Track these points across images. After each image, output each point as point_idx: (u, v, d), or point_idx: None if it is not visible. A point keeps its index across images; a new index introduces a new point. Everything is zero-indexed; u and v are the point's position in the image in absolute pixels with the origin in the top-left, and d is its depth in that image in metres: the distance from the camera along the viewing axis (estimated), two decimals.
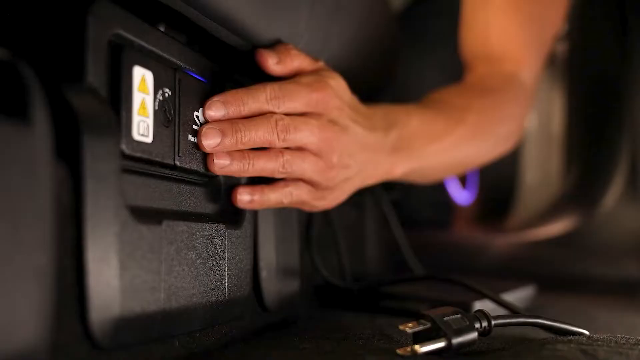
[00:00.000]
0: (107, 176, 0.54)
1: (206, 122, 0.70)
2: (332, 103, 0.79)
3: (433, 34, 1.59)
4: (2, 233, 0.43)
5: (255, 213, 0.80)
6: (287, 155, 0.75)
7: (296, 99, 0.76)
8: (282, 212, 0.86)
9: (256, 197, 0.75)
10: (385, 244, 1.31)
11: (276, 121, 0.73)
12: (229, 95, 0.71)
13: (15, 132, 0.44)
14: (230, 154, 0.71)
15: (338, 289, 1.03)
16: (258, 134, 0.72)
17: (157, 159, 0.62)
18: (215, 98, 0.70)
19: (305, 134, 0.76)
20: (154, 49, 0.63)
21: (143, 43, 0.61)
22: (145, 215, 0.59)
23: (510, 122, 1.16)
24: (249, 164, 0.72)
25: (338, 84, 0.82)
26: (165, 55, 0.64)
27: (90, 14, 0.55)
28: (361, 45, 0.98)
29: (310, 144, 0.77)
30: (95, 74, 0.56)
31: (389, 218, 1.26)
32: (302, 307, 0.94)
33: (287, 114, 0.75)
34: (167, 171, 0.64)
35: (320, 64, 0.83)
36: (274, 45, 0.78)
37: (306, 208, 0.84)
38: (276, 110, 0.74)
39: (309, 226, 1.00)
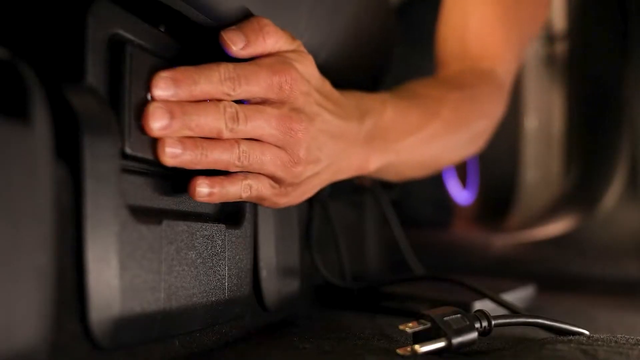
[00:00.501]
0: (107, 176, 0.54)
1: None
2: (298, 87, 0.71)
3: (430, 31, 1.59)
4: (2, 233, 0.43)
5: (255, 213, 0.79)
6: (244, 146, 0.68)
7: (254, 82, 0.68)
8: (282, 212, 0.86)
9: (216, 189, 0.67)
10: (385, 243, 1.31)
11: (224, 107, 0.66)
12: (179, 72, 0.62)
13: (15, 132, 0.44)
14: (181, 141, 0.63)
15: (338, 289, 1.03)
16: (207, 120, 0.64)
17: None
18: (164, 74, 0.61)
19: (259, 124, 0.69)
20: (154, 48, 0.63)
21: (143, 43, 0.61)
22: (145, 215, 0.59)
23: (485, 119, 1.13)
24: (202, 154, 0.64)
25: (305, 67, 0.74)
26: (165, 55, 0.64)
27: (90, 14, 0.55)
28: (360, 42, 0.98)
29: (268, 135, 0.70)
30: (95, 74, 0.56)
31: (389, 217, 1.26)
32: (302, 306, 0.94)
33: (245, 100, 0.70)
34: (167, 171, 0.64)
35: (297, 43, 0.75)
36: (244, 21, 0.70)
37: (266, 204, 0.76)
38: (231, 92, 0.66)
39: (309, 225, 1.00)
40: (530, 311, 1.07)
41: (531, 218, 1.70)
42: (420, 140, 0.96)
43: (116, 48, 0.58)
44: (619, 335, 0.70)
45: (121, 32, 0.58)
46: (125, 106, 0.58)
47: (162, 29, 0.67)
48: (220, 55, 0.67)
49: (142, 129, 0.59)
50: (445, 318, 0.67)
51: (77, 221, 0.52)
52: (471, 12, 1.17)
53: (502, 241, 1.72)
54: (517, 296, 1.12)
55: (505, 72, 1.16)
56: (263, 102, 0.70)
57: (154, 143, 0.61)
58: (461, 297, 0.94)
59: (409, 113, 0.95)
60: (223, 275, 0.72)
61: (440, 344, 0.65)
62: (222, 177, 0.68)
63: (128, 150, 0.57)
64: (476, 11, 1.16)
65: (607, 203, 1.61)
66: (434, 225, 1.75)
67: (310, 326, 0.85)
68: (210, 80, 0.64)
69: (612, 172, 1.62)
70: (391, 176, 1.07)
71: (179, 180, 0.67)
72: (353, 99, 0.85)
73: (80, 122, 0.52)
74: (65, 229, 0.51)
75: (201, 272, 0.67)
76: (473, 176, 1.66)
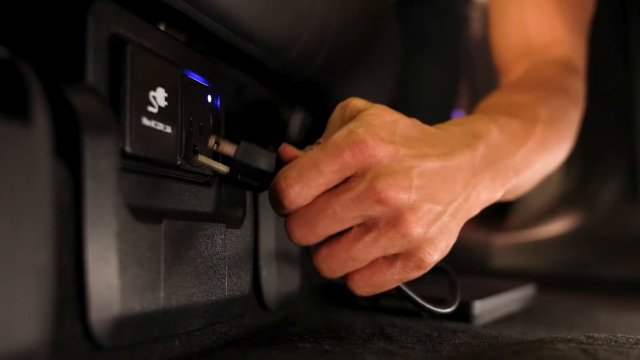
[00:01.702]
0: (107, 175, 0.54)
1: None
2: (376, 154, 0.64)
3: (429, 34, 1.59)
4: (3, 232, 0.43)
5: (255, 212, 0.80)
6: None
7: (323, 176, 0.63)
8: None
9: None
10: None
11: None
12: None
13: (16, 131, 0.44)
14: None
15: (338, 287, 1.03)
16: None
17: (158, 158, 0.62)
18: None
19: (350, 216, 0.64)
20: (154, 47, 0.63)
21: (143, 42, 0.61)
22: (145, 214, 0.59)
23: (575, 109, 1.05)
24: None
25: (376, 121, 0.66)
26: (166, 54, 0.64)
27: (90, 13, 0.55)
28: (360, 39, 0.98)
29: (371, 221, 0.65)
30: (95, 73, 0.56)
31: None
32: (302, 306, 0.94)
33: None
34: (168, 170, 0.64)
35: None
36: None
37: (420, 272, 0.70)
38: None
39: None
40: (529, 311, 1.08)
41: (531, 217, 1.70)
42: (530, 150, 0.88)
43: (117, 47, 0.58)
44: (619, 335, 0.70)
45: (121, 31, 0.58)
46: (126, 105, 0.58)
47: (163, 28, 0.68)
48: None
49: (142, 128, 0.59)
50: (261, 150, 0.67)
51: (77, 220, 0.52)
52: (527, 7, 1.13)
53: (502, 241, 1.72)
54: (516, 296, 1.12)
55: (576, 57, 1.13)
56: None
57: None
58: (461, 296, 0.94)
59: (512, 126, 0.86)
60: (223, 274, 0.72)
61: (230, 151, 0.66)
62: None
63: (128, 150, 0.57)
64: (531, 4, 1.13)
65: (607, 202, 1.62)
66: None
67: (310, 325, 0.85)
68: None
69: (612, 171, 1.62)
70: (511, 196, 0.98)
71: (179, 179, 0.67)
72: (456, 129, 0.76)
73: (81, 122, 0.52)
74: (65, 228, 0.51)
75: (201, 271, 0.67)
76: None
